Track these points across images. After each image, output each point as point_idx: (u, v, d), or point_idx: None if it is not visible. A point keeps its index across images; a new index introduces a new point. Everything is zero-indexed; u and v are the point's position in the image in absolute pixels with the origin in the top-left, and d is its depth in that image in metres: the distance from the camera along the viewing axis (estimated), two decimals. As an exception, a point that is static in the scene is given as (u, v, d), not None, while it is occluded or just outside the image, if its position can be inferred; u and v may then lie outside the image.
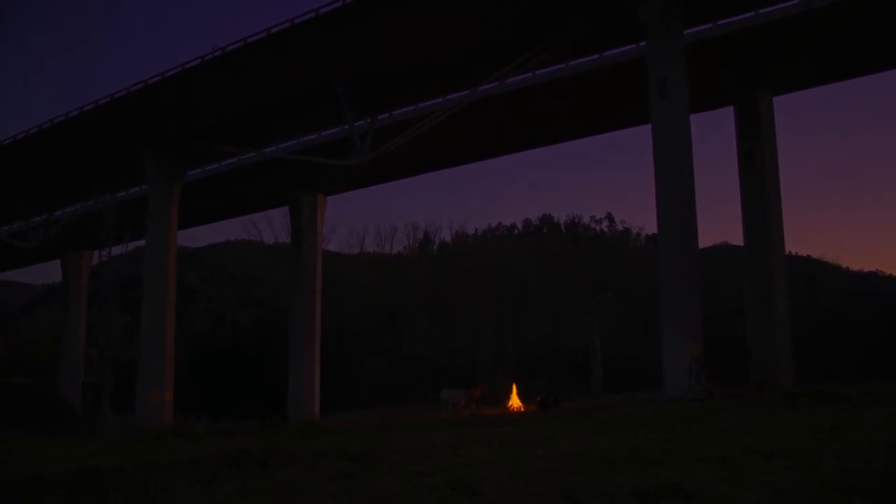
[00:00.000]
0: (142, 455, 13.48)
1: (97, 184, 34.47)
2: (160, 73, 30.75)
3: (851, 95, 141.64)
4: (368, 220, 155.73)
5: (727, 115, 30.18)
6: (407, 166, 36.00)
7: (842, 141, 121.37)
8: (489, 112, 30.60)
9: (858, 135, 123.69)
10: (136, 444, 18.21)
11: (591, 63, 28.74)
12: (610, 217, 68.33)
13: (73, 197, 38.37)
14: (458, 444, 10.53)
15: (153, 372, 32.31)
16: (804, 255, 66.56)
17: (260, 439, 16.66)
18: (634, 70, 26.63)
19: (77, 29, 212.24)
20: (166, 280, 33.23)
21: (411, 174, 38.47)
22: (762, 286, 27.96)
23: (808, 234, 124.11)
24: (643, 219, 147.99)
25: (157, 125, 32.70)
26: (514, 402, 27.85)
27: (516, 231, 71.24)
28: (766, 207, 28.30)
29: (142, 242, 36.92)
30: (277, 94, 30.32)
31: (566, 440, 9.78)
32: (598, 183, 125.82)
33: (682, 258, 23.71)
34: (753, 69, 27.92)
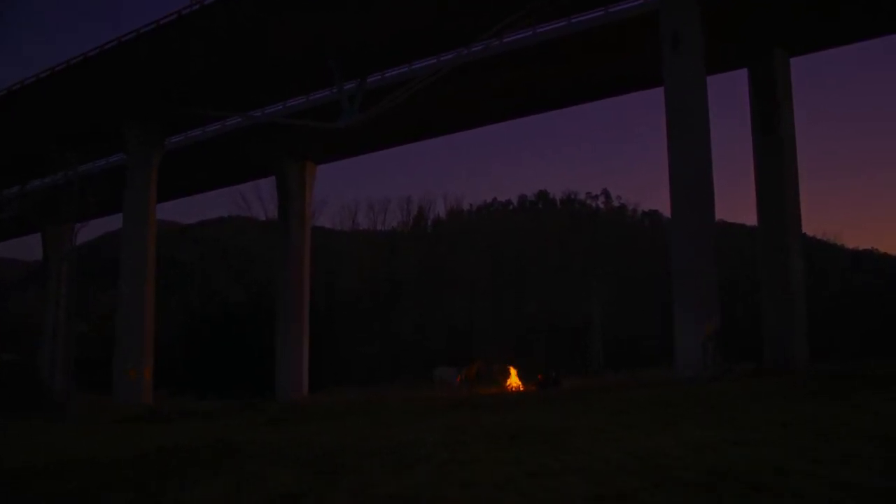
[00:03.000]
0: (74, 449, 10.99)
1: (72, 152, 31.57)
2: (134, 30, 27.92)
3: (847, 67, 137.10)
4: (361, 195, 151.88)
5: (725, 84, 27.49)
6: (399, 133, 33.26)
7: (837, 114, 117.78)
8: (486, 73, 27.90)
9: (856, 109, 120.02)
10: (90, 431, 15.76)
11: (595, 20, 25.97)
12: (606, 193, 65.60)
13: (48, 167, 35.40)
14: (454, 440, 8.06)
15: (131, 349, 29.80)
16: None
17: (227, 426, 14.21)
18: (643, 27, 24.00)
19: (77, 28, 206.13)
20: (145, 253, 30.62)
21: (404, 141, 35.67)
22: (777, 261, 25.45)
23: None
24: (638, 195, 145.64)
25: (133, 86, 29.82)
26: (513, 381, 25.47)
27: (512, 207, 68.60)
28: (783, 176, 25.73)
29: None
30: (261, 53, 27.53)
31: (596, 437, 7.30)
32: (593, 158, 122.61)
33: (696, 224, 21.25)
34: (769, 27, 25.23)
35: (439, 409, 15.36)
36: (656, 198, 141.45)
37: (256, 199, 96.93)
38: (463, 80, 27.64)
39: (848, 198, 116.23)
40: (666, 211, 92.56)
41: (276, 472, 6.41)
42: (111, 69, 28.94)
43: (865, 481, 4.94)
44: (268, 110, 32.14)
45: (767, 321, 25.61)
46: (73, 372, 26.93)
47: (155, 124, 31.39)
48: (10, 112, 31.84)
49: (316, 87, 30.68)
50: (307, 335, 34.00)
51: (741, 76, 27.87)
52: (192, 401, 33.40)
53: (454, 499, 4.80)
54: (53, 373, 40.32)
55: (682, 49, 22.01)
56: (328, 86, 29.85)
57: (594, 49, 26.40)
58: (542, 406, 13.88)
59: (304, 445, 8.46)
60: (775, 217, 25.74)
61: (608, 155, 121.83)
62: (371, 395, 27.74)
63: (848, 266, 59.47)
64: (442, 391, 24.84)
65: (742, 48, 26.18)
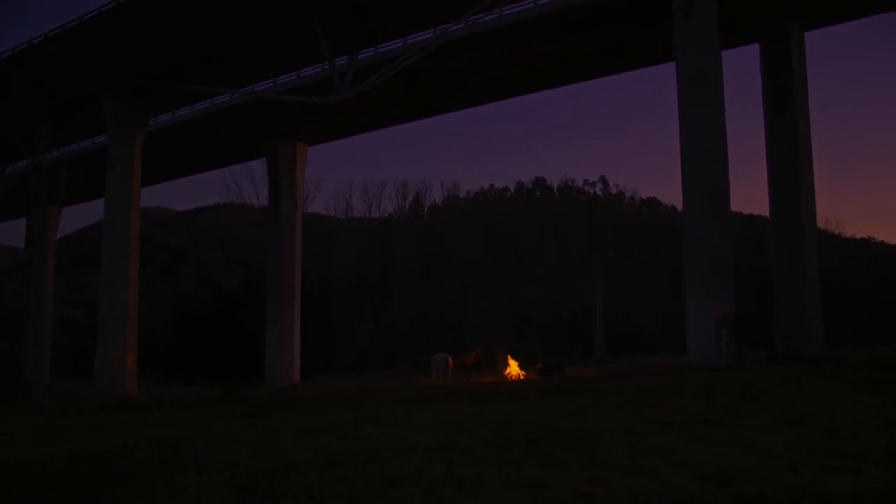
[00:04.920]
0: (8, 446, 9.21)
1: (42, 132, 29.44)
2: (114, 0, 25.85)
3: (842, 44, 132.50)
4: (356, 180, 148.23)
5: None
6: (392, 112, 31.31)
7: (832, 97, 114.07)
8: (481, 48, 25.96)
9: (856, 93, 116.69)
10: (45, 423, 13.96)
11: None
12: (604, 180, 63.54)
13: (27, 148, 33.30)
14: (452, 444, 6.26)
15: (114, 335, 27.93)
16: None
17: (194, 420, 12.43)
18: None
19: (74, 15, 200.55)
20: (129, 234, 28.66)
21: (397, 122, 33.73)
22: (790, 243, 23.74)
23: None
24: (636, 182, 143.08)
25: (114, 60, 27.80)
26: (513, 369, 23.69)
27: (508, 193, 66.54)
28: (797, 155, 23.96)
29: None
30: (250, 25, 25.56)
31: (635, 443, 5.52)
32: (590, 146, 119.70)
33: (709, 202, 19.56)
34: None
35: (435, 400, 13.59)
36: (655, 186, 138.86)
37: (249, 183, 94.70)
38: (457, 55, 25.86)
39: (847, 186, 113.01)
40: (665, 198, 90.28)
41: (214, 497, 4.65)
42: (91, 41, 26.94)
43: None
44: (258, 87, 30.19)
45: (779, 305, 23.95)
46: (42, 359, 25.17)
47: (138, 101, 29.36)
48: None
49: (307, 64, 28.76)
50: (298, 321, 32.21)
51: (741, 60, 26.24)
52: (180, 388, 31.69)
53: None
54: (32, 359, 38.63)
55: (695, 15, 20.22)
56: (319, 62, 27.96)
57: (597, 22, 24.52)
58: (550, 397, 12.11)
59: (265, 451, 6.70)
60: (788, 197, 24.00)
61: (605, 143, 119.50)
62: (364, 383, 26.01)
63: (848, 255, 57.82)
64: (439, 379, 23.10)
65: (754, 21, 24.32)
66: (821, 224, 62.38)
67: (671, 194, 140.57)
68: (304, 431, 8.53)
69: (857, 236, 71.13)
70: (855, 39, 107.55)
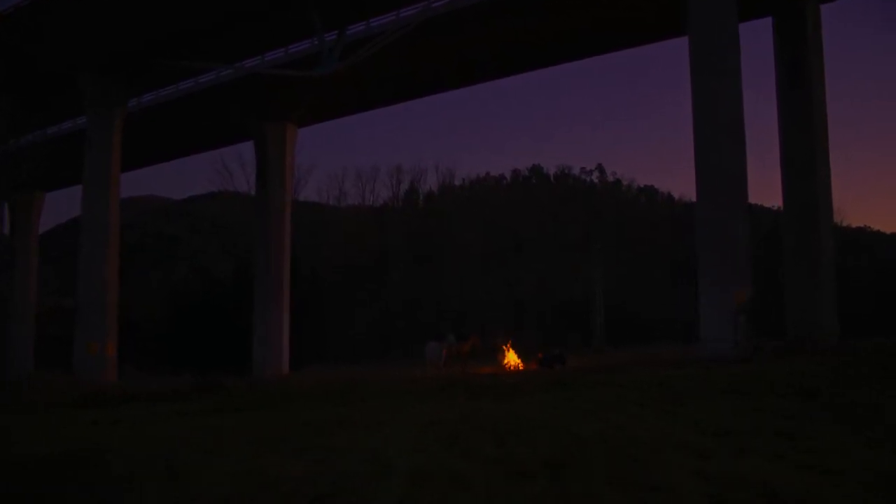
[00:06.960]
0: None
1: (31, 112, 27.58)
2: (90, -32, 23.92)
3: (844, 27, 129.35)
4: (349, 167, 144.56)
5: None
6: (383, 90, 29.43)
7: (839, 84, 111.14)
8: (474, 22, 24.18)
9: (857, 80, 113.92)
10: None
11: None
12: (601, 168, 61.71)
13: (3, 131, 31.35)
14: (446, 466, 4.56)
15: (94, 322, 26.25)
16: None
17: (151, 415, 10.77)
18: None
19: None
20: (107, 218, 26.90)
21: (388, 101, 31.80)
22: (805, 232, 22.09)
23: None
24: (632, 171, 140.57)
25: (94, 35, 25.87)
26: (511, 359, 22.03)
27: (505, 181, 64.75)
28: (813, 136, 22.28)
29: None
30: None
31: (700, 466, 3.84)
32: (585, 132, 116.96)
33: (724, 183, 17.95)
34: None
35: (426, 394, 11.95)
36: (652, 174, 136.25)
37: (240, 169, 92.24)
38: (450, 30, 24.16)
39: (842, 173, 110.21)
40: (662, 186, 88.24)
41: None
42: (66, 13, 24.99)
43: None
44: (244, 64, 28.34)
45: (792, 294, 22.33)
46: (25, 349, 23.48)
47: (119, 79, 27.48)
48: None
49: (295, 40, 26.96)
50: (287, 310, 30.43)
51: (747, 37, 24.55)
52: (168, 379, 30.09)
53: None
54: (26, 348, 37.30)
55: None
56: (308, 37, 26.18)
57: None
58: (556, 392, 10.46)
59: (182, 475, 5.02)
60: (804, 181, 22.34)
61: (601, 130, 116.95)
62: (354, 373, 24.34)
63: (849, 246, 56.34)
64: (433, 368, 21.45)
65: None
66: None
67: (669, 182, 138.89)
68: (255, 441, 6.83)
69: (853, 225, 69.65)
70: (850, 25, 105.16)
